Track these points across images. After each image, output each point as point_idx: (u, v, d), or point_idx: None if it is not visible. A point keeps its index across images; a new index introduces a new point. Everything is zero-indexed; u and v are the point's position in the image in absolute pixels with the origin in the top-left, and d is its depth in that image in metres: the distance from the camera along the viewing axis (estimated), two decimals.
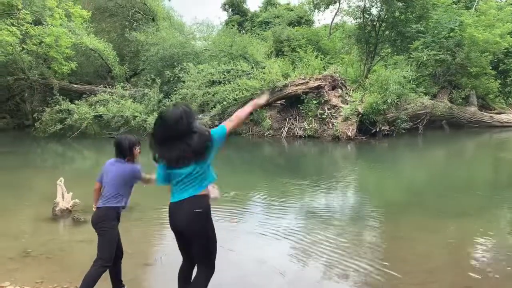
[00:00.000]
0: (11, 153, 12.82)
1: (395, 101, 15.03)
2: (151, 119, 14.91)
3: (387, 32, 19.67)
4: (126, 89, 17.01)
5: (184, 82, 15.92)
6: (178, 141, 2.89)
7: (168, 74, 16.41)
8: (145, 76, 17.62)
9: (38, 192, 8.14)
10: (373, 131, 15.14)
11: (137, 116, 15.00)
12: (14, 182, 8.77)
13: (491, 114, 19.30)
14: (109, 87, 16.96)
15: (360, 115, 14.91)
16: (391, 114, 15.31)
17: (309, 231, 5.92)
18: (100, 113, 15.17)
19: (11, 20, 14.94)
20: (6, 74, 16.34)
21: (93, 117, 15.28)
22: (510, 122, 18.93)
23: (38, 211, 6.48)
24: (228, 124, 3.09)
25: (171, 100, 15.67)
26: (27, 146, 14.08)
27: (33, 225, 6.05)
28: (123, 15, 21.50)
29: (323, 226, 6.07)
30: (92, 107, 15.40)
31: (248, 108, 3.23)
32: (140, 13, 21.11)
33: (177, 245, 3.21)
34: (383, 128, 15.17)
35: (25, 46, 15.34)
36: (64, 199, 6.26)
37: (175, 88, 16.14)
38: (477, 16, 19.29)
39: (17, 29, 14.66)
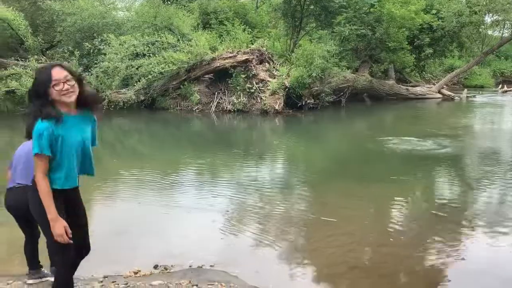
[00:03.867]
0: None
1: (320, 75, 15.45)
2: None
3: (312, 7, 19.97)
4: (41, 62, 15.77)
5: (105, 54, 15.09)
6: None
7: (88, 46, 15.43)
8: (62, 49, 16.44)
9: None
10: (299, 104, 15.52)
11: None
12: None
13: (407, 87, 20.60)
14: (22, 60, 15.64)
15: (287, 89, 15.17)
16: (316, 88, 15.75)
17: (238, 202, 6.02)
18: (13, 88, 13.98)
19: None
20: None
21: (5, 93, 14.06)
22: (423, 94, 20.37)
23: None
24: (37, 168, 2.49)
25: (92, 74, 14.81)
26: None
27: None
28: None
29: (253, 197, 6.21)
30: (3, 81, 14.14)
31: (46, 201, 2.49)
32: None
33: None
34: (308, 101, 15.58)
35: None
36: None
37: (95, 61, 15.26)
38: None
39: None
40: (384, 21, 18.15)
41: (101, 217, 5.58)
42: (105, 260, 3.96)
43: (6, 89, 13.97)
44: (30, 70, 14.76)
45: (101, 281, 3.51)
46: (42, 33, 18.41)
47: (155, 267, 3.84)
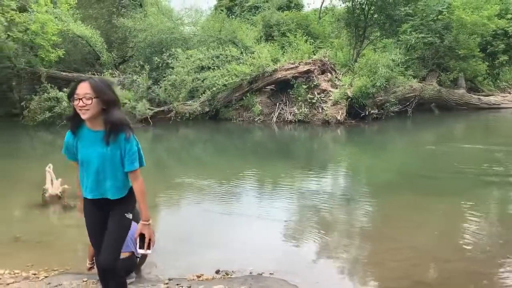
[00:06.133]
0: (1, 141, 12.73)
1: (384, 84, 15.09)
2: (140, 106, 14.85)
3: (376, 16, 19.61)
4: (115, 76, 16.85)
5: (173, 68, 15.82)
6: None
7: (157, 60, 16.27)
8: (134, 63, 17.45)
9: (28, 179, 8.10)
10: (363, 114, 15.22)
11: (126, 103, 14.90)
12: (4, 170, 8.73)
13: (479, 96, 19.46)
14: (98, 74, 16.78)
15: (350, 99, 14.96)
16: (380, 98, 15.38)
17: (300, 212, 6.03)
18: None
19: None
20: None
21: None
22: (498, 104, 19.13)
23: (28, 198, 6.48)
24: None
25: (160, 87, 15.56)
26: (16, 135, 13.96)
27: (23, 211, 6.08)
28: (110, 1, 21.15)
29: (314, 207, 6.17)
30: None
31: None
32: None
33: None
34: (372, 111, 15.24)
35: (10, 34, 15.07)
36: (53, 186, 6.27)
37: (164, 75, 16.03)
38: None
39: (2, 16, 14.39)
40: (453, 28, 17.41)
41: (166, 222, 5.85)
42: (170, 263, 4.16)
43: None
44: None
45: (167, 283, 3.67)
46: (116, 48, 19.66)
47: (217, 272, 3.95)
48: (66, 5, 17.41)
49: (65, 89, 15.36)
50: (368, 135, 14.18)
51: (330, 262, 4.37)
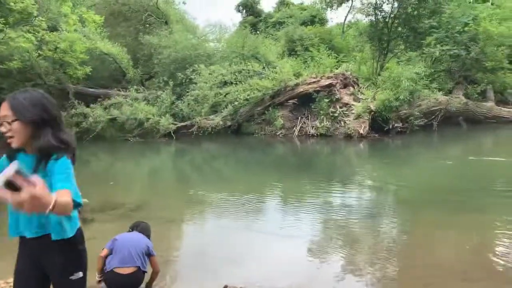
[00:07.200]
0: None
1: (408, 97, 14.87)
2: (164, 121, 15.09)
3: (399, 29, 19.50)
4: (140, 92, 17.23)
5: (196, 83, 16.06)
6: None
7: (180, 76, 16.57)
8: (158, 79, 17.83)
9: None
10: (386, 128, 15.00)
11: (150, 118, 15.20)
12: None
13: (510, 109, 18.87)
14: (123, 90, 17.21)
15: (373, 113, 14.79)
16: (404, 111, 15.15)
17: (320, 228, 5.93)
18: (114, 116, 15.41)
19: (27, 27, 15.30)
20: (24, 80, 16.69)
21: (108, 120, 15.52)
22: None
23: None
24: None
25: (184, 102, 15.80)
26: None
27: None
28: (137, 19, 21.76)
29: (335, 223, 6.06)
30: (107, 110, 15.66)
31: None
32: (153, 16, 21.38)
33: None
34: (396, 125, 15.01)
35: (41, 52, 15.67)
36: None
37: (187, 90, 16.29)
38: (492, 10, 18.93)
39: (33, 35, 14.99)
40: (480, 39, 17.06)
41: (183, 236, 5.86)
42: (180, 277, 4.16)
43: (109, 117, 15.40)
44: (130, 99, 16.19)
45: None
46: (141, 65, 20.13)
47: (225, 287, 3.91)
48: (94, 24, 17.99)
49: (91, 105, 15.83)
50: (392, 149, 13.94)
51: (347, 279, 4.25)
